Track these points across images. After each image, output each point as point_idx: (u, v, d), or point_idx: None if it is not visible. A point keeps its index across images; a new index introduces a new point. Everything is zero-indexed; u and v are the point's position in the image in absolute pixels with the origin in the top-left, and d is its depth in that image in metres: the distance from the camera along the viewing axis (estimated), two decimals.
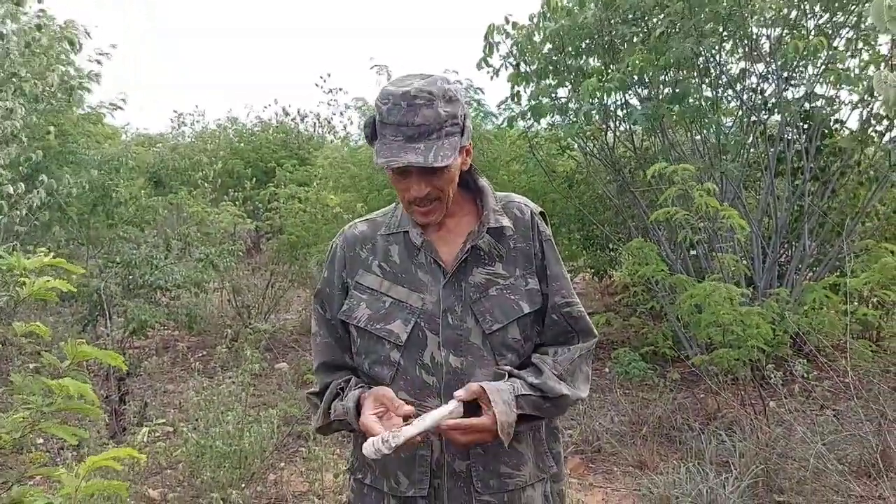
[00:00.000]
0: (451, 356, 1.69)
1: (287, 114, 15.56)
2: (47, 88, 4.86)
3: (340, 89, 15.91)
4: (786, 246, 6.52)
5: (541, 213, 1.85)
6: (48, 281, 1.68)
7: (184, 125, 16.57)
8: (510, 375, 1.70)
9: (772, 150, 6.08)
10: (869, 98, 5.82)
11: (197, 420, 3.79)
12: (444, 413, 1.58)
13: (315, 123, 15.13)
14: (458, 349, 1.69)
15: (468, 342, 1.70)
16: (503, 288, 1.74)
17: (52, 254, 1.79)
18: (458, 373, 1.68)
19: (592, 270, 8.47)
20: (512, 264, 1.76)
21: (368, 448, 1.53)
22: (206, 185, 8.85)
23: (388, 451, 1.51)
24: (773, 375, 4.19)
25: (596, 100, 5.70)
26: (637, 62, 5.60)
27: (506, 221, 1.76)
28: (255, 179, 10.75)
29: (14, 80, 4.91)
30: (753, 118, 6.18)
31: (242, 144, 14.23)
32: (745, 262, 5.85)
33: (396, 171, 1.63)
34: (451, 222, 1.77)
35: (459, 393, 1.61)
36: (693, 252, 6.27)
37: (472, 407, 1.62)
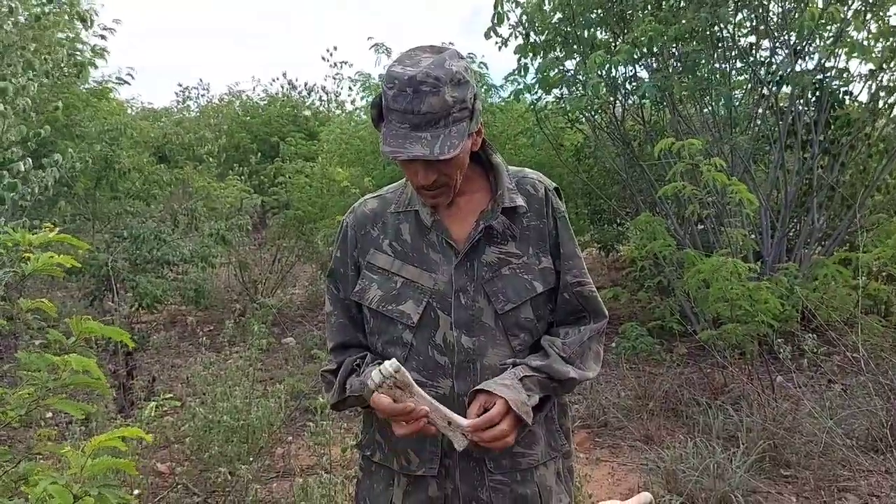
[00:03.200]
0: (464, 336, 1.66)
1: (294, 87, 15.50)
2: (57, 64, 4.82)
3: (345, 62, 15.83)
4: (795, 220, 6.47)
5: (555, 188, 1.81)
6: (52, 256, 1.67)
7: (189, 99, 16.53)
8: (514, 365, 1.67)
9: (781, 122, 6.02)
10: (879, 70, 5.74)
11: (204, 394, 3.80)
12: (441, 418, 1.55)
13: (321, 98, 15.08)
14: (471, 329, 1.67)
15: (480, 322, 1.67)
16: (516, 267, 1.71)
17: (57, 229, 1.77)
18: (470, 353, 1.66)
19: (600, 245, 8.44)
20: (525, 243, 1.73)
21: (377, 375, 1.50)
22: (210, 159, 8.83)
23: (386, 375, 1.48)
24: (781, 350, 4.17)
25: (603, 72, 5.63)
26: (647, 32, 5.52)
27: (520, 200, 1.72)
28: (260, 154, 10.71)
29: (23, 53, 4.87)
30: (764, 91, 6.11)
31: (249, 118, 14.18)
32: (753, 236, 5.83)
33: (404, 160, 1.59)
34: (463, 200, 1.73)
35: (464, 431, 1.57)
36: (701, 226, 6.23)
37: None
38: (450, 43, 8.12)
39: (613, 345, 6.19)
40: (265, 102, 15.04)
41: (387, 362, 1.50)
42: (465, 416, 1.57)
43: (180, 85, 21.04)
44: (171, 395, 3.34)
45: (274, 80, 25.54)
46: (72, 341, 1.65)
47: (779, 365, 4.79)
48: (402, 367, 1.51)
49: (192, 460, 3.96)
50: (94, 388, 1.56)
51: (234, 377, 3.99)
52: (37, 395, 1.51)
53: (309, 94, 15.27)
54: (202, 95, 16.66)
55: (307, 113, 14.45)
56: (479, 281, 1.69)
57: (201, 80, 16.59)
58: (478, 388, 1.60)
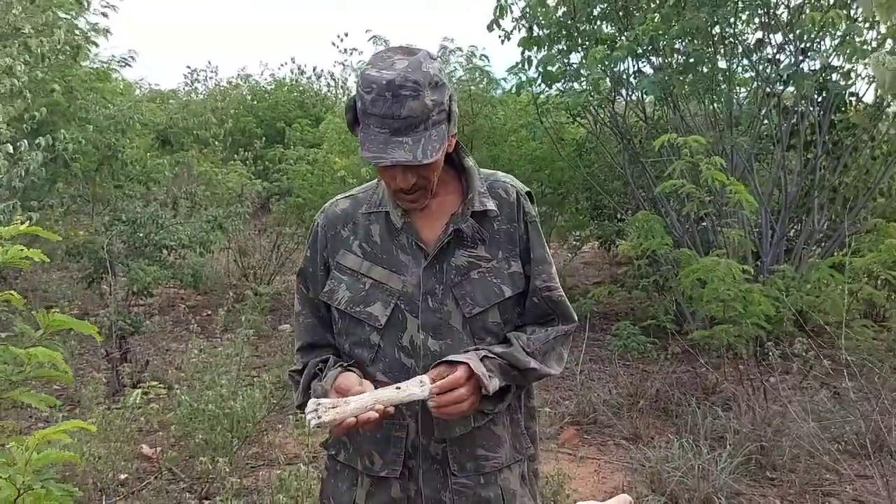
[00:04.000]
0: (431, 339, 1.66)
1: (302, 72, 15.47)
2: (54, 46, 4.81)
3: (355, 49, 15.79)
4: (795, 221, 6.44)
5: (527, 193, 1.81)
6: (21, 249, 1.67)
7: (197, 81, 16.50)
8: (476, 350, 1.68)
9: (785, 122, 5.98)
10: (874, 53, 5.68)
11: (192, 382, 3.81)
12: (405, 392, 1.55)
13: (329, 84, 15.05)
14: (438, 332, 1.67)
15: (448, 325, 1.67)
16: (485, 271, 1.70)
17: (27, 222, 1.78)
18: (436, 356, 1.65)
19: (600, 240, 8.43)
20: (495, 247, 1.72)
21: (307, 418, 1.51)
22: (216, 143, 8.82)
23: (315, 423, 1.47)
24: (771, 353, 4.16)
25: (603, 68, 5.61)
26: (648, 29, 5.49)
27: (490, 204, 1.72)
28: (264, 138, 10.69)
29: (18, 35, 4.87)
30: (768, 90, 6.07)
31: (256, 102, 14.17)
32: (753, 236, 5.80)
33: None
34: (434, 202, 1.72)
35: (423, 378, 1.57)
36: (704, 223, 6.20)
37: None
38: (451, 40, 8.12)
39: (606, 341, 6.19)
40: (272, 87, 15.02)
41: (308, 417, 1.50)
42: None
43: (188, 67, 21.02)
44: (157, 383, 3.36)
45: (282, 65, 25.48)
46: (39, 334, 1.66)
47: (770, 367, 4.78)
48: (319, 404, 1.49)
49: (180, 446, 3.99)
50: (58, 381, 1.57)
51: (226, 364, 4.01)
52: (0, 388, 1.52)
53: (318, 79, 15.25)
54: (210, 78, 16.66)
55: (318, 94, 14.42)
56: (448, 284, 1.69)
57: (209, 63, 16.59)
58: (439, 361, 1.61)
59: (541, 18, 6.36)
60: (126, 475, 3.71)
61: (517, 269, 1.74)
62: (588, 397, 5.04)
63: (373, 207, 1.76)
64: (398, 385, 1.56)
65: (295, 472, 3.06)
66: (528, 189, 1.82)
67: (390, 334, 1.68)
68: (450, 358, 1.60)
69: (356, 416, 1.50)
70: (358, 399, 1.52)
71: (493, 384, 1.61)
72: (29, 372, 1.56)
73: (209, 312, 7.34)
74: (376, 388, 1.60)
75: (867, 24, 5.58)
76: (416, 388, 1.55)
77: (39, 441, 1.17)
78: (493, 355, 1.65)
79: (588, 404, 4.98)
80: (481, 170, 1.79)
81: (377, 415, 1.52)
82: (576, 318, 1.83)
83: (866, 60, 5.34)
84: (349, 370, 1.68)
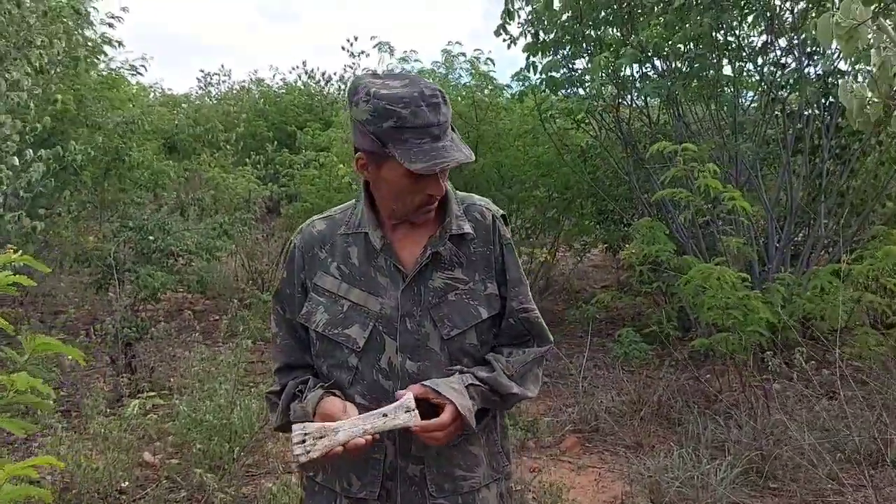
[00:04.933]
0: (409, 361, 1.68)
1: (312, 76, 15.51)
2: (53, 57, 4.87)
3: (363, 52, 15.79)
4: (802, 226, 6.40)
5: (503, 216, 1.83)
6: (8, 275, 1.70)
7: (210, 85, 16.59)
8: (461, 372, 1.69)
9: (791, 127, 5.94)
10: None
11: (192, 392, 3.85)
12: (389, 419, 1.56)
13: (339, 88, 15.07)
14: (416, 354, 1.68)
15: (426, 347, 1.69)
16: (462, 293, 1.72)
17: (20, 252, 1.81)
18: (414, 377, 1.67)
19: (606, 245, 8.41)
20: (472, 269, 1.74)
21: (293, 455, 1.53)
22: (228, 147, 8.87)
23: (304, 460, 1.50)
24: (770, 363, 4.14)
25: (606, 74, 5.60)
26: (653, 35, 5.47)
27: (467, 227, 1.74)
28: (276, 142, 10.75)
29: (31, 48, 4.92)
30: (773, 94, 6.03)
31: (267, 106, 14.23)
32: (759, 241, 5.78)
33: (425, 174, 1.57)
34: (410, 225, 1.75)
35: (403, 394, 1.60)
36: (710, 229, 6.17)
37: (423, 406, 1.61)
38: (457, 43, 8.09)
39: (610, 346, 6.18)
40: (283, 91, 15.08)
41: (295, 453, 1.52)
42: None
43: (202, 71, 21.13)
44: (156, 393, 3.39)
45: (293, 69, 25.52)
46: (24, 359, 1.69)
47: (771, 375, 4.76)
48: (306, 434, 1.52)
49: (180, 454, 4.03)
50: (37, 407, 1.59)
51: (225, 374, 4.04)
52: None
53: (326, 83, 15.29)
54: (223, 82, 16.73)
55: (328, 97, 14.45)
56: (426, 306, 1.70)
57: (223, 66, 16.70)
58: (426, 383, 1.62)
59: (546, 23, 6.37)
60: (127, 483, 3.75)
61: (493, 291, 1.75)
62: (590, 405, 5.04)
63: (351, 228, 1.78)
64: (384, 412, 1.57)
65: (284, 482, 3.08)
66: (503, 212, 1.84)
67: (368, 356, 1.69)
68: (439, 388, 1.61)
69: (344, 445, 1.53)
70: (347, 428, 1.54)
71: (473, 417, 1.63)
72: (11, 398, 1.58)
73: (216, 317, 7.38)
74: (360, 412, 1.62)
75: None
76: (402, 414, 1.57)
77: (7, 476, 1.19)
78: (478, 382, 1.67)
79: (590, 412, 4.98)
80: (457, 192, 1.81)
81: (364, 441, 1.55)
82: (551, 338, 1.85)
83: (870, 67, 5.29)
84: (331, 393, 1.70)
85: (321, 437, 1.52)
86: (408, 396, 1.59)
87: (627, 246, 5.97)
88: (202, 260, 6.51)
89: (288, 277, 1.82)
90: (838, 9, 1.78)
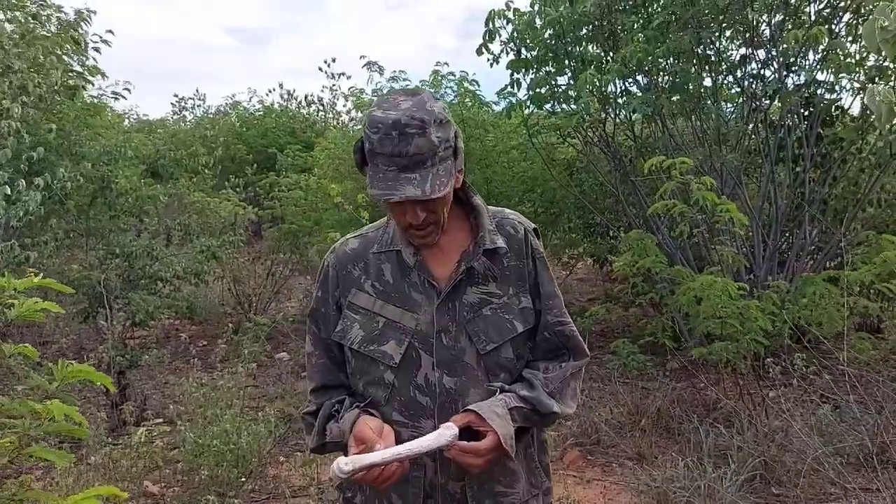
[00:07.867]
0: (445, 377, 1.68)
1: (293, 97, 15.51)
2: (51, 87, 4.82)
3: (343, 74, 15.84)
4: (786, 234, 6.49)
5: (534, 229, 1.83)
6: (37, 302, 1.68)
7: (185, 110, 16.53)
8: (502, 391, 1.69)
9: (772, 136, 6.04)
10: (869, 84, 5.76)
11: (194, 417, 3.80)
12: (429, 443, 1.56)
13: (318, 109, 15.10)
14: (453, 370, 1.68)
15: (462, 362, 1.68)
16: (497, 307, 1.72)
17: (41, 274, 1.79)
18: (451, 393, 1.67)
19: (593, 258, 8.47)
20: (505, 283, 1.74)
21: (334, 467, 1.52)
22: (206, 171, 8.80)
23: (342, 476, 1.48)
24: (771, 370, 4.18)
25: (592, 89, 5.67)
26: (636, 52, 5.55)
27: (500, 241, 1.74)
28: (255, 165, 10.70)
29: (10, 75, 4.86)
30: (754, 105, 6.13)
31: (246, 129, 14.19)
32: (744, 250, 5.84)
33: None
34: (445, 240, 1.74)
35: (450, 425, 1.59)
36: (695, 239, 6.24)
37: (466, 432, 1.61)
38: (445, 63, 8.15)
39: (605, 359, 6.20)
40: (261, 114, 15.05)
41: (338, 463, 1.50)
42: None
43: (176, 95, 20.97)
44: (161, 420, 3.34)
45: (270, 91, 25.51)
46: (55, 386, 1.66)
47: (770, 382, 4.80)
48: (352, 459, 1.50)
49: (184, 482, 3.96)
50: (73, 434, 1.57)
51: (226, 398, 3.99)
52: (19, 444, 1.52)
53: (308, 105, 15.30)
54: (198, 106, 16.68)
55: (308, 119, 14.46)
56: (461, 321, 1.70)
57: (197, 91, 16.65)
58: (470, 408, 1.62)
59: (528, 41, 6.43)
60: None
61: (528, 305, 1.76)
62: (590, 417, 5.05)
63: (384, 247, 1.78)
64: (425, 440, 1.56)
65: None
66: (535, 226, 1.85)
67: (405, 373, 1.69)
68: (483, 413, 1.60)
69: (382, 463, 1.53)
70: (389, 455, 1.53)
71: (513, 446, 1.62)
72: (46, 426, 1.55)
73: (205, 343, 7.31)
74: (396, 430, 1.62)
75: (850, 38, 5.67)
76: (445, 441, 1.56)
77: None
78: (521, 404, 1.67)
79: (590, 424, 4.99)
80: (489, 207, 1.82)
81: (397, 466, 1.56)
82: (588, 351, 1.85)
83: (851, 75, 5.41)
84: (367, 412, 1.69)
85: (348, 463, 1.51)
86: (448, 425, 1.59)
87: (618, 258, 6.01)
88: (190, 284, 6.44)
89: (322, 296, 1.81)
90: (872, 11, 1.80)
